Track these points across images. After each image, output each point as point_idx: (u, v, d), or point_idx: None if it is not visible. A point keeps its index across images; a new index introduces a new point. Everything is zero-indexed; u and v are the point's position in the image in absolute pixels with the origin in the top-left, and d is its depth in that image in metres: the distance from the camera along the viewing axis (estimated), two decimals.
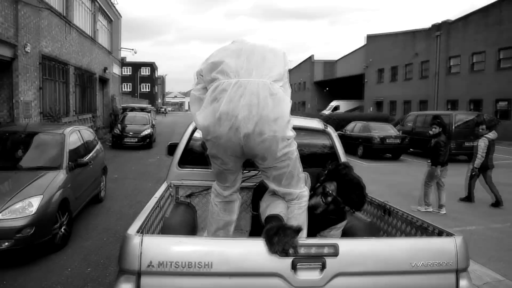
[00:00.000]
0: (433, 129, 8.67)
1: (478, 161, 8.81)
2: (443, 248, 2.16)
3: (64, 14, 15.67)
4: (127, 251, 2.00)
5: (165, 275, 1.99)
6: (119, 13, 28.64)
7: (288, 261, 2.03)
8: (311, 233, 2.72)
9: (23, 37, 11.40)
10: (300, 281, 2.03)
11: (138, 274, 1.98)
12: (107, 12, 24.53)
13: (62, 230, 5.72)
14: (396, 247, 2.15)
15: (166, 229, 3.02)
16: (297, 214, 2.59)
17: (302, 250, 2.05)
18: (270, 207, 2.54)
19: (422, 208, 8.28)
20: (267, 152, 2.40)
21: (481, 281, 4.82)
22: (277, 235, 2.07)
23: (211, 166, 2.72)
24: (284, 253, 2.04)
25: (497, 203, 8.76)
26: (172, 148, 4.16)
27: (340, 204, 2.74)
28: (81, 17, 18.72)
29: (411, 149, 18.05)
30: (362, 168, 13.17)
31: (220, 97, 2.34)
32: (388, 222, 3.20)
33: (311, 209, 2.76)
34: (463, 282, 2.14)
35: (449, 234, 2.32)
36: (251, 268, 2.02)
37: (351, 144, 18.14)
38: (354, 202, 2.76)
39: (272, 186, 2.61)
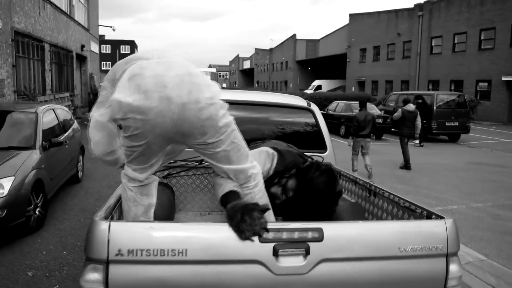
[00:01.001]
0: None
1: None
2: (432, 231, 2.04)
3: None
4: (93, 239, 1.84)
5: (135, 264, 1.83)
6: None
7: (269, 246, 1.89)
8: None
9: None
10: (282, 268, 1.90)
11: (106, 263, 1.82)
12: None
13: (37, 212, 5.52)
14: (384, 231, 2.02)
15: None
16: (258, 199, 2.35)
17: (284, 235, 1.92)
18: (222, 186, 2.36)
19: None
20: (207, 123, 2.10)
21: (464, 260, 4.82)
22: (243, 221, 1.91)
23: (124, 149, 2.32)
24: (255, 236, 1.91)
25: (406, 165, 10.58)
26: None
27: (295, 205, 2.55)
28: None
29: (393, 129, 18.13)
30: (344, 148, 13.16)
31: (142, 72, 2.06)
32: (373, 203, 3.10)
33: (271, 196, 2.57)
34: (453, 267, 2.05)
35: (438, 217, 2.21)
36: (229, 254, 1.88)
37: (333, 123, 18.14)
38: (304, 212, 2.48)
39: (220, 167, 2.31)
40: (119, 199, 2.38)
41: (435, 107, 16.32)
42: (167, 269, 1.85)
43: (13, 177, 5.05)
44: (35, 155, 5.76)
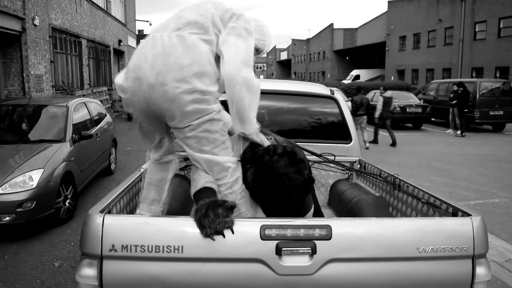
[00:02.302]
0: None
1: (377, 112, 12.34)
2: (457, 230, 1.82)
3: None
4: (88, 233, 1.77)
5: (129, 260, 1.74)
6: None
7: (271, 244, 1.75)
8: None
9: (31, 9, 11.16)
10: (286, 268, 1.75)
11: (100, 259, 1.74)
12: None
13: (67, 203, 5.61)
14: (401, 229, 1.82)
15: None
16: (241, 199, 2.18)
17: (288, 232, 1.76)
18: (195, 182, 2.18)
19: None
20: (173, 106, 2.05)
21: (504, 257, 4.49)
22: (206, 216, 1.77)
23: None
24: (217, 234, 1.75)
25: (393, 144, 12.11)
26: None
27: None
28: None
29: (433, 119, 17.44)
30: (381, 138, 12.76)
31: (135, 50, 2.21)
32: (398, 197, 2.88)
33: None
34: (480, 270, 1.82)
35: (465, 214, 1.98)
36: (228, 252, 1.75)
37: (370, 113, 17.64)
38: (271, 205, 2.18)
39: (192, 154, 2.19)
40: (121, 192, 2.29)
41: (477, 95, 15.53)
42: (162, 267, 1.75)
43: (42, 170, 5.13)
44: (65, 148, 5.85)
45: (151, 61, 2.05)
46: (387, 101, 12.42)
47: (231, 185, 2.16)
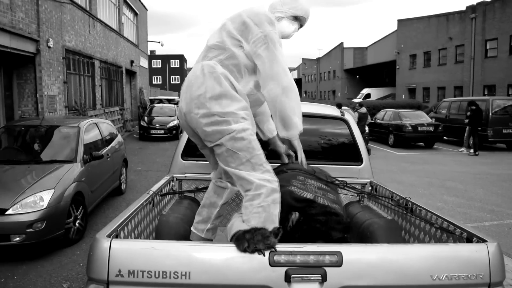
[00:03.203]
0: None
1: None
2: (472, 257, 1.77)
3: (88, 8, 15.68)
4: (94, 258, 1.74)
5: (136, 286, 1.71)
6: (144, 6, 28.68)
7: (280, 271, 1.70)
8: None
9: (45, 32, 11.41)
10: None
11: (107, 284, 1.72)
12: (132, 5, 24.56)
13: (77, 224, 5.61)
14: (413, 256, 1.76)
15: (161, 228, 2.74)
16: (255, 213, 2.17)
17: (297, 258, 1.72)
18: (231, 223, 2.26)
19: None
20: (198, 129, 2.37)
21: None
22: (248, 232, 1.79)
23: None
24: (256, 252, 1.75)
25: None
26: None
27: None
28: (105, 11, 18.73)
29: (445, 137, 17.27)
30: (393, 157, 12.63)
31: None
32: (410, 221, 2.81)
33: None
34: None
35: (480, 240, 1.92)
36: (236, 279, 1.71)
37: (381, 132, 17.54)
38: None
39: (223, 167, 2.40)
40: (129, 216, 2.27)
41: (490, 113, 15.37)
42: None
43: (53, 190, 5.16)
44: (76, 168, 5.88)
45: (184, 92, 2.42)
46: (362, 117, 13.51)
47: (252, 197, 2.19)
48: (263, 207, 2.14)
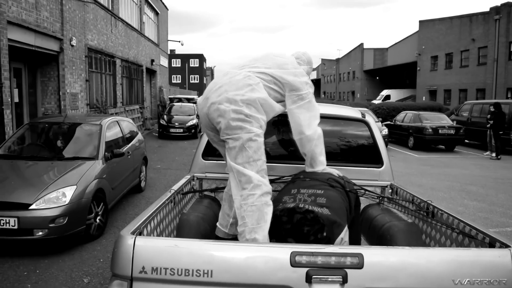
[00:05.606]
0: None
1: None
2: (495, 262, 1.75)
3: (110, 8, 15.92)
4: (119, 254, 1.78)
5: (159, 283, 1.75)
6: (165, 5, 28.95)
7: (301, 271, 1.72)
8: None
9: (69, 30, 11.64)
10: None
11: (131, 280, 1.75)
12: (153, 5, 24.82)
13: (98, 220, 5.70)
14: (435, 259, 1.75)
15: (182, 227, 2.78)
16: (249, 212, 2.49)
17: (319, 260, 1.73)
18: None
19: None
20: (222, 119, 2.63)
21: None
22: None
23: None
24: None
25: None
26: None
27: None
28: (127, 10, 18.98)
29: (466, 141, 16.98)
30: (413, 160, 12.46)
31: (212, 81, 2.91)
32: (431, 225, 2.79)
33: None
34: None
35: (503, 245, 1.90)
36: (256, 278, 1.72)
37: (401, 135, 17.34)
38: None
39: (229, 162, 2.67)
40: (151, 214, 2.31)
41: None
42: None
43: (75, 186, 5.25)
44: (97, 166, 5.97)
45: (219, 85, 2.74)
46: None
47: (247, 196, 2.52)
48: (256, 206, 2.47)
